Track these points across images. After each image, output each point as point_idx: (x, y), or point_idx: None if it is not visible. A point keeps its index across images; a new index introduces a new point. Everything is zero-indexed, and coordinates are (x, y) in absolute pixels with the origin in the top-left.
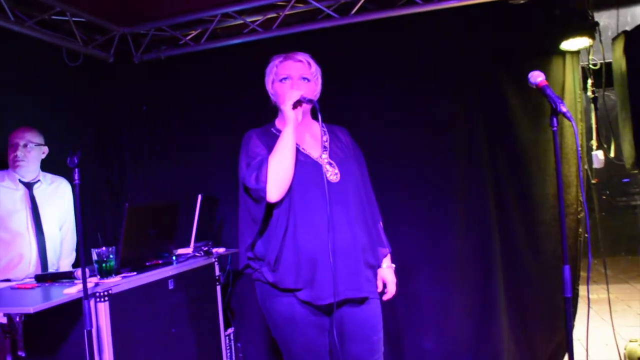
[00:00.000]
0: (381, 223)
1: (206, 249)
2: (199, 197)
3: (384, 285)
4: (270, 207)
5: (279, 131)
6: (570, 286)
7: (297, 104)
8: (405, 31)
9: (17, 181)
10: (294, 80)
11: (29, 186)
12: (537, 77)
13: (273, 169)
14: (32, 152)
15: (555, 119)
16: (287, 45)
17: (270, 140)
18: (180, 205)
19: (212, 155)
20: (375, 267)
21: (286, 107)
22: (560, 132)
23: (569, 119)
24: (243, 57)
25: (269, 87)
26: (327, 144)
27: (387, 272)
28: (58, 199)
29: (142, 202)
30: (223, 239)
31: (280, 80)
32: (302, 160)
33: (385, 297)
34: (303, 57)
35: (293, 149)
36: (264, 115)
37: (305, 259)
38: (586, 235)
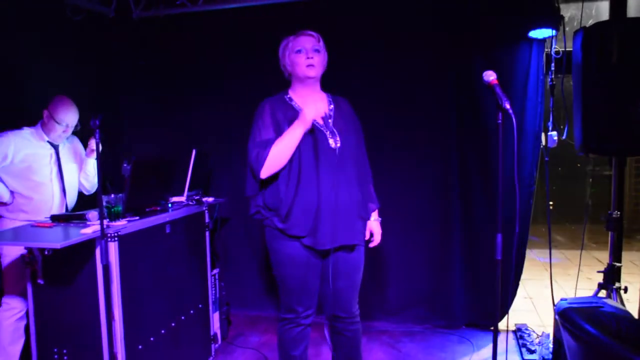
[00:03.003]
0: (372, 184)
1: (197, 197)
2: (194, 151)
3: (371, 235)
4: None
5: (291, 100)
6: (501, 250)
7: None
8: (386, 11)
9: (45, 141)
10: (308, 51)
11: (55, 146)
12: (489, 76)
13: (272, 156)
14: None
15: (500, 114)
16: (280, 14)
17: (284, 108)
18: (175, 156)
19: (202, 110)
20: (365, 219)
21: (308, 116)
22: (522, 114)
23: (510, 115)
24: (236, 22)
25: (285, 60)
26: (332, 113)
27: (375, 224)
28: (76, 155)
29: (143, 155)
30: (211, 189)
31: (296, 52)
32: (310, 128)
33: (372, 245)
34: (314, 33)
35: (295, 145)
36: (253, 77)
37: (311, 212)
38: (550, 203)
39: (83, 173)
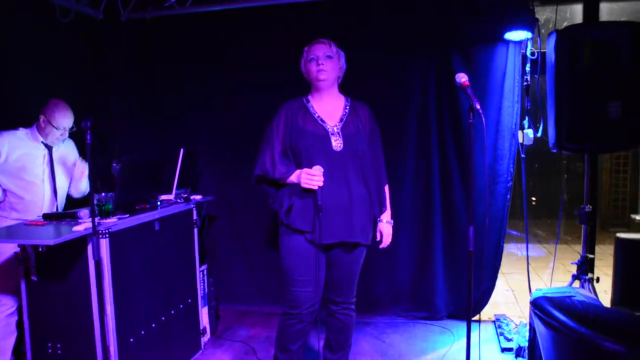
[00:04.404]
0: (387, 186)
1: (185, 195)
2: (182, 150)
3: (381, 236)
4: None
5: (309, 102)
6: (473, 242)
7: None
8: (366, 10)
9: (40, 142)
10: (320, 58)
11: (48, 147)
12: (461, 78)
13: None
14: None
15: (471, 114)
16: (264, 17)
17: (301, 111)
18: (164, 157)
19: (190, 111)
20: (371, 218)
21: (301, 183)
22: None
23: (480, 114)
24: (221, 24)
25: (303, 68)
26: (344, 117)
27: (385, 226)
28: (69, 157)
29: (133, 154)
30: (200, 187)
31: (309, 60)
32: (316, 131)
33: (381, 246)
34: (325, 40)
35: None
36: (241, 78)
37: (309, 209)
38: (533, 199)
39: (74, 188)
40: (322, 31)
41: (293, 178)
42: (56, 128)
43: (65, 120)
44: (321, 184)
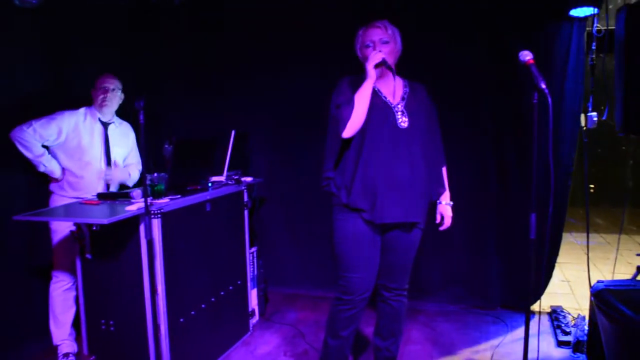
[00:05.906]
0: (445, 167)
1: (237, 177)
2: (233, 132)
3: (442, 218)
4: (348, 141)
5: None
6: (535, 230)
7: (378, 65)
8: None
9: (97, 119)
10: (376, 44)
11: (105, 125)
12: (526, 55)
13: (350, 115)
14: (115, 97)
15: (535, 94)
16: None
17: (359, 86)
18: (215, 139)
19: (243, 93)
20: (430, 200)
21: (369, 67)
22: (561, 94)
23: (546, 94)
24: (275, 5)
25: (358, 52)
26: (405, 96)
27: (446, 208)
28: (124, 139)
29: (184, 135)
30: (250, 170)
31: (366, 46)
32: (380, 106)
33: (442, 228)
34: (381, 23)
35: (368, 99)
36: (291, 59)
37: (370, 187)
38: (591, 186)
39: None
40: (374, 8)
41: (363, 92)
42: (96, 89)
43: (106, 79)
44: (383, 54)
